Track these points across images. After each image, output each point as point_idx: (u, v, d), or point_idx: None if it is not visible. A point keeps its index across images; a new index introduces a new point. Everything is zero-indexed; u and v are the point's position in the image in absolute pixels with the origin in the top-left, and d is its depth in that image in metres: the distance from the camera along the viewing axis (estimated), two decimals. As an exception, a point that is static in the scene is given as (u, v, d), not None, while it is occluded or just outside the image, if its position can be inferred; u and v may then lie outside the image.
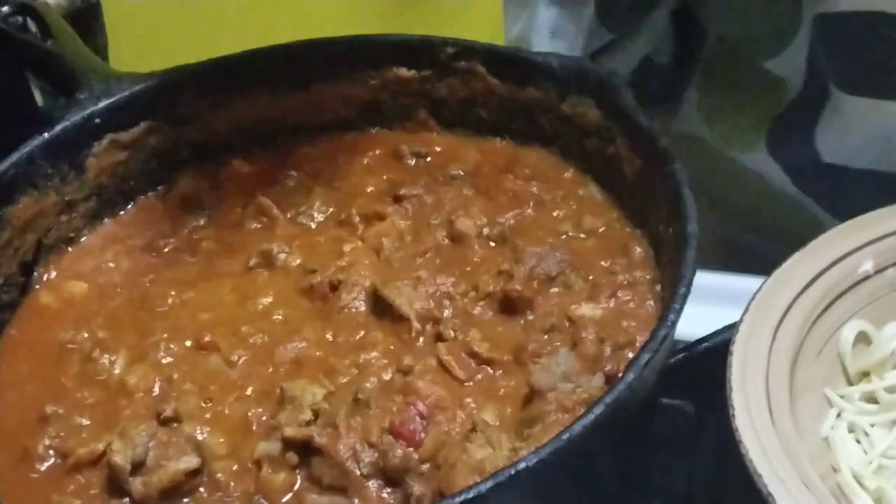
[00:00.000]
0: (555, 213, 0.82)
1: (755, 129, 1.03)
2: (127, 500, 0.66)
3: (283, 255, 0.81)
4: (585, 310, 0.73)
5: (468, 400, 0.69)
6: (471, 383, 0.71)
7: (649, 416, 0.69)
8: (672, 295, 0.66)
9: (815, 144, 1.00)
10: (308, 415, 0.67)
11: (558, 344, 0.71)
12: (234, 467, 0.67)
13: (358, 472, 0.65)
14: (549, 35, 0.91)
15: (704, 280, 0.71)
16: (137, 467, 0.66)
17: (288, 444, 0.66)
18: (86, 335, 0.77)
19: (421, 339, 0.73)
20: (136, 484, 0.65)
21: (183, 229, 0.85)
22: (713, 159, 1.06)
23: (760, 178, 1.05)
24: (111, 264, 0.83)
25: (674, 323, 0.65)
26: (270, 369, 0.73)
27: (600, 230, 0.80)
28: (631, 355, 0.68)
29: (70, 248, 0.84)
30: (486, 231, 0.80)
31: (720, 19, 1.01)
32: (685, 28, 1.01)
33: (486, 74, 0.87)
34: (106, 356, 0.74)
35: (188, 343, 0.75)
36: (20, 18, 0.89)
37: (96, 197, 0.85)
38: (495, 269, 0.77)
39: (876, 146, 0.97)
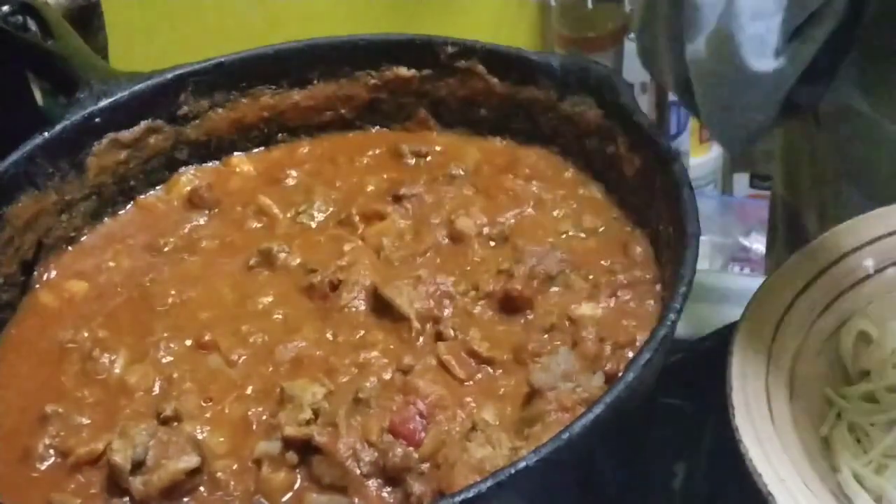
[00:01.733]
0: (555, 213, 0.82)
1: None
2: (127, 499, 0.66)
3: (283, 255, 0.81)
4: (585, 309, 0.73)
5: (468, 399, 0.69)
6: (471, 382, 0.71)
7: (649, 416, 0.69)
8: (672, 295, 0.66)
9: None
10: (308, 414, 0.67)
11: (558, 343, 0.71)
12: (234, 466, 0.67)
13: (358, 472, 0.65)
14: (750, 17, 0.85)
15: (704, 280, 0.71)
16: (137, 467, 0.66)
17: (288, 443, 0.66)
18: (86, 334, 0.76)
19: (421, 339, 0.73)
20: (136, 483, 0.65)
21: (183, 228, 0.85)
22: (870, 135, 0.98)
23: None
24: (111, 264, 0.83)
25: (674, 323, 0.65)
26: (270, 368, 0.73)
27: (600, 229, 0.80)
28: (631, 355, 0.68)
29: (70, 248, 0.84)
30: (486, 230, 0.80)
31: None
32: None
33: (485, 74, 0.87)
34: (106, 355, 0.74)
35: (188, 342, 0.75)
36: (20, 18, 0.88)
37: (96, 196, 0.85)
38: (495, 269, 0.77)
39: None
